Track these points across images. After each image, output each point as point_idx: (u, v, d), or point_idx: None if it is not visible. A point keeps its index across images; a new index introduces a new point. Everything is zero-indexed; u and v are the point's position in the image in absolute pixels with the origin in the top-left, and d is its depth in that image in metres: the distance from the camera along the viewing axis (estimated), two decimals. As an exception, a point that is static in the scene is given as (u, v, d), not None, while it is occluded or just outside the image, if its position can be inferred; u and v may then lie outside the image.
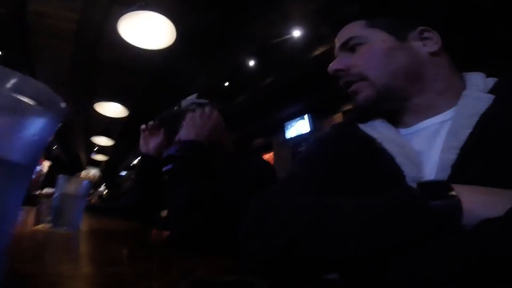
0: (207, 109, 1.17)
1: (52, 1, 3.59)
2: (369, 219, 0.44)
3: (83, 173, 10.16)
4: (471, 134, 0.55)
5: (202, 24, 3.73)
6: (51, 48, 4.39)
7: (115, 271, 0.54)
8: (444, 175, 0.54)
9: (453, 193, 0.41)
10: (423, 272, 0.38)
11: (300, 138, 5.98)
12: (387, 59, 0.68)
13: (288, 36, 4.11)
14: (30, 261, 0.53)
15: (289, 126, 6.23)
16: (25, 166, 0.29)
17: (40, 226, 1.03)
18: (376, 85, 0.69)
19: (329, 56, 0.76)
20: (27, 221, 1.24)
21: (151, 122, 1.30)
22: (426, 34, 0.70)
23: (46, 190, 2.95)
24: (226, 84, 5.44)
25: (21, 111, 0.27)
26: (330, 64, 0.74)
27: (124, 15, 2.84)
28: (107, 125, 7.17)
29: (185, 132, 1.12)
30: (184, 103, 1.30)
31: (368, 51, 0.70)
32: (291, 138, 6.18)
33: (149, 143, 1.31)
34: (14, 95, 0.26)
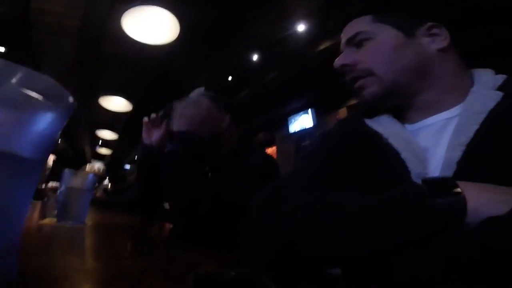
0: (198, 99, 1.15)
1: (55, -2, 3.59)
2: (373, 217, 0.44)
3: (88, 167, 10.23)
4: (477, 131, 0.55)
5: (206, 18, 3.71)
6: (54, 45, 4.40)
7: (121, 265, 0.54)
8: (449, 172, 0.54)
9: (458, 190, 0.41)
10: (425, 270, 0.38)
11: (303, 133, 5.96)
12: (395, 55, 0.67)
13: (292, 31, 4.08)
14: (36, 256, 0.53)
15: (293, 121, 6.21)
16: (35, 161, 0.29)
17: (46, 220, 1.04)
18: (383, 81, 0.68)
19: (333, 51, 0.75)
20: (33, 215, 1.25)
21: (153, 115, 1.30)
22: (434, 30, 0.68)
23: (51, 184, 2.98)
24: (230, 78, 5.42)
25: (30, 106, 0.27)
26: (336, 59, 0.74)
27: (128, 10, 2.84)
28: (111, 119, 7.20)
29: (177, 123, 1.10)
30: (192, 95, 1.29)
31: (376, 47, 0.70)
32: (294, 133, 6.16)
33: (152, 135, 1.31)
34: (23, 90, 0.26)
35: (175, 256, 0.69)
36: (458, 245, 0.38)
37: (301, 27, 4.02)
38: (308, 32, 4.03)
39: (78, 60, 4.70)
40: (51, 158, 3.65)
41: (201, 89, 1.31)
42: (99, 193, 4.18)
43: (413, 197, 0.43)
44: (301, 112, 5.99)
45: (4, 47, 4.62)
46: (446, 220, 0.40)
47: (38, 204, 1.81)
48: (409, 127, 0.68)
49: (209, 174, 1.24)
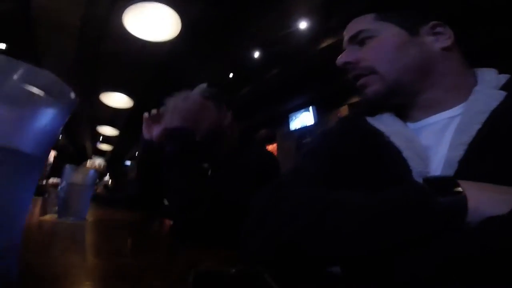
0: (189, 94, 1.13)
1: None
2: (373, 217, 0.44)
3: (89, 163, 10.25)
4: (480, 131, 0.54)
5: (207, 15, 3.70)
6: (56, 42, 4.40)
7: (121, 262, 0.54)
8: (451, 171, 0.53)
9: (459, 189, 0.41)
10: (425, 269, 0.38)
11: (304, 130, 5.96)
12: (398, 53, 0.67)
13: (294, 29, 4.06)
14: (37, 252, 0.54)
15: (294, 118, 6.21)
16: (37, 157, 0.29)
17: (47, 217, 1.04)
18: (386, 79, 0.67)
19: (335, 48, 0.75)
20: (34, 211, 1.25)
21: (154, 110, 1.29)
22: (438, 29, 0.68)
23: (52, 180, 2.98)
24: (231, 75, 5.41)
25: (32, 102, 0.27)
26: (339, 57, 0.73)
27: (129, 7, 2.83)
28: (112, 115, 7.21)
29: (169, 120, 1.07)
30: (195, 92, 1.29)
31: (379, 45, 0.69)
32: (295, 130, 6.16)
33: (152, 131, 1.31)
34: (25, 86, 0.26)
35: (176, 253, 0.69)
36: (458, 244, 0.38)
37: (302, 25, 4.01)
38: (309, 29, 4.02)
39: (79, 56, 4.70)
40: (52, 154, 3.66)
41: (203, 86, 1.30)
42: (99, 189, 4.18)
43: (414, 196, 0.43)
44: (302, 110, 5.99)
45: (5, 44, 4.62)
46: (447, 219, 0.39)
47: (39, 200, 1.81)
48: (411, 125, 0.68)
49: (210, 171, 1.25)
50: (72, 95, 0.31)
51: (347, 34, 0.75)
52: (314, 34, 4.03)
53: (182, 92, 1.16)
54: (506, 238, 0.35)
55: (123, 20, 2.96)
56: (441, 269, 0.37)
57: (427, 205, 0.41)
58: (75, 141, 10.52)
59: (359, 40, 0.72)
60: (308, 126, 5.88)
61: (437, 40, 0.67)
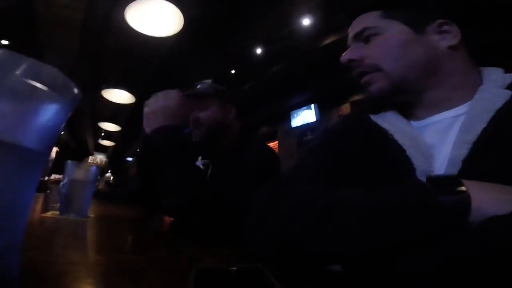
0: (164, 92, 1.08)
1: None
2: (376, 215, 0.43)
3: (90, 159, 10.28)
4: (484, 130, 0.54)
5: (210, 11, 3.69)
6: (58, 37, 4.40)
7: (123, 259, 0.54)
8: (454, 170, 0.53)
9: (462, 188, 0.41)
10: (427, 268, 0.38)
11: (306, 128, 5.96)
12: (404, 51, 0.66)
13: (296, 26, 4.05)
14: (38, 249, 0.53)
15: (295, 115, 6.20)
16: (40, 153, 0.29)
17: (48, 213, 1.04)
18: (390, 77, 0.67)
19: (338, 46, 0.75)
20: (36, 207, 1.25)
21: None
22: (445, 28, 0.67)
23: (54, 176, 2.99)
24: (233, 72, 5.41)
25: (35, 97, 0.27)
26: (343, 54, 0.73)
27: (132, 2, 2.83)
28: (114, 111, 7.21)
29: (148, 123, 1.02)
30: (202, 86, 1.28)
31: (384, 43, 0.68)
32: (296, 127, 6.16)
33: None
34: (28, 81, 0.26)
35: (177, 250, 0.69)
36: (461, 243, 0.37)
37: (305, 22, 3.99)
38: (312, 26, 4.01)
39: (82, 52, 4.70)
40: (54, 150, 3.67)
41: (208, 81, 1.30)
42: (101, 186, 4.20)
43: (417, 195, 0.43)
44: (304, 107, 5.99)
45: (8, 40, 4.62)
46: (450, 218, 0.39)
47: (41, 197, 1.82)
48: (415, 124, 0.67)
49: (210, 166, 1.25)
50: (76, 90, 0.30)
51: (352, 31, 0.74)
52: (316, 31, 4.01)
53: (159, 92, 1.12)
54: (509, 237, 0.35)
55: (125, 15, 2.95)
56: (443, 268, 0.37)
57: (430, 204, 0.41)
58: (77, 137, 10.55)
59: (364, 37, 0.71)
60: (310, 123, 5.88)
61: (444, 38, 0.66)
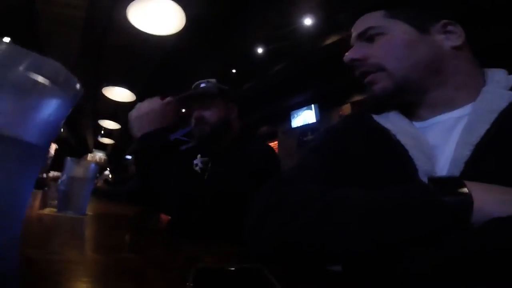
0: (149, 100, 1.10)
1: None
2: (377, 214, 0.43)
3: (89, 156, 10.27)
4: (487, 131, 0.54)
5: (212, 10, 3.68)
6: (60, 35, 4.39)
7: (121, 257, 0.54)
8: (457, 171, 0.53)
9: (465, 190, 0.41)
10: (427, 268, 0.38)
11: (306, 128, 5.96)
12: (408, 51, 0.66)
13: (298, 25, 4.04)
14: (35, 247, 0.53)
15: (295, 115, 6.21)
16: (40, 148, 0.29)
17: (46, 210, 1.03)
18: (394, 77, 0.67)
19: (339, 46, 0.75)
20: (33, 204, 1.25)
21: (156, 98, 1.28)
22: (449, 28, 0.67)
23: (53, 173, 2.98)
24: (234, 71, 5.41)
25: (37, 91, 0.27)
26: (346, 54, 0.72)
27: (134, 1, 2.82)
28: (114, 109, 7.21)
29: (139, 128, 1.02)
30: (208, 85, 1.29)
31: (388, 42, 0.68)
32: (297, 127, 6.16)
33: None
34: (31, 75, 0.26)
35: (176, 249, 0.69)
36: (462, 244, 0.37)
37: (307, 21, 3.98)
38: (314, 26, 4.00)
39: (83, 50, 4.70)
40: (53, 147, 3.65)
41: (213, 81, 1.31)
42: (100, 183, 4.19)
43: (418, 195, 0.43)
44: (304, 107, 5.99)
45: (9, 37, 4.61)
46: (452, 219, 0.39)
47: (39, 194, 1.81)
48: (419, 124, 0.67)
49: (209, 164, 1.25)
50: (78, 85, 0.30)
51: (355, 31, 0.74)
52: (318, 31, 4.01)
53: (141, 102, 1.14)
54: (510, 238, 0.35)
55: (127, 13, 2.94)
56: (443, 268, 0.37)
57: (431, 203, 0.41)
58: (77, 135, 10.55)
59: (367, 36, 0.71)
60: (310, 124, 5.88)
61: (448, 39, 0.66)
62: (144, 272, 0.45)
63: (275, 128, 6.75)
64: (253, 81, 5.49)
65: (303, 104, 5.96)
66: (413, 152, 0.59)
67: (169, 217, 1.26)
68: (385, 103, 0.71)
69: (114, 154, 11.99)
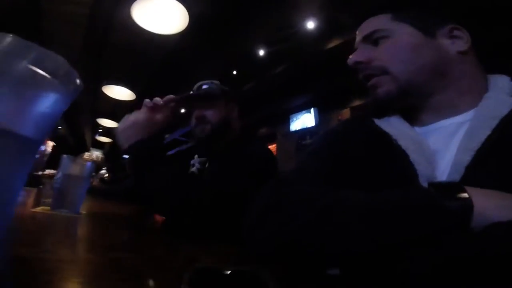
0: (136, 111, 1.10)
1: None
2: (376, 216, 0.43)
3: (86, 155, 10.23)
4: (488, 137, 0.54)
5: (215, 10, 3.69)
6: (62, 31, 4.38)
7: (116, 257, 0.53)
8: (457, 176, 0.53)
9: (465, 195, 0.41)
10: (425, 270, 0.38)
11: (304, 131, 5.97)
12: (413, 54, 0.66)
13: (300, 28, 4.06)
14: (27, 245, 0.52)
15: (294, 119, 6.22)
16: (34, 141, 0.28)
17: (39, 209, 1.02)
18: (398, 80, 0.66)
19: (341, 49, 0.74)
20: (27, 202, 1.23)
21: (157, 98, 1.28)
22: (456, 33, 0.67)
23: (49, 171, 2.95)
24: (234, 72, 5.42)
25: (37, 83, 0.27)
26: (350, 56, 0.72)
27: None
28: (113, 108, 7.20)
29: (127, 139, 1.03)
30: (211, 86, 1.29)
31: (394, 45, 0.68)
32: (295, 131, 6.16)
33: (153, 117, 1.30)
34: (32, 67, 0.26)
35: (172, 249, 0.68)
36: (462, 245, 0.37)
37: (310, 25, 3.99)
38: (316, 29, 4.01)
39: (85, 47, 4.69)
40: (50, 144, 3.63)
41: (216, 82, 1.32)
42: (95, 182, 4.17)
43: (418, 197, 0.43)
44: (303, 111, 6.00)
45: (11, 33, 4.60)
46: (452, 222, 0.39)
47: (33, 192, 1.79)
48: (421, 129, 0.67)
49: (207, 164, 1.26)
50: (78, 80, 0.31)
51: (360, 33, 0.74)
52: (320, 35, 4.02)
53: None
54: (509, 243, 0.35)
55: (131, 11, 2.94)
56: (443, 268, 0.37)
57: (432, 207, 0.41)
58: (75, 133, 10.52)
59: (373, 39, 0.71)
60: (309, 127, 5.89)
61: (454, 43, 0.66)
62: (139, 272, 0.44)
63: (275, 131, 6.76)
64: (253, 82, 5.50)
65: (303, 107, 5.97)
66: (414, 157, 0.59)
67: (163, 218, 1.25)
68: (388, 107, 0.71)
69: (111, 153, 11.97)
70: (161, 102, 1.07)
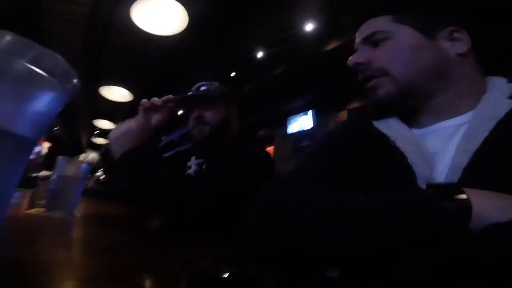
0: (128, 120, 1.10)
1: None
2: (377, 214, 0.43)
3: (82, 156, 10.18)
4: (486, 139, 0.54)
5: (214, 11, 3.70)
6: (61, 32, 4.37)
7: (111, 259, 0.52)
8: (455, 178, 0.54)
9: (464, 196, 0.41)
10: (424, 270, 0.38)
11: (302, 134, 5.98)
12: (414, 56, 0.66)
13: (299, 30, 4.07)
14: (21, 247, 0.51)
15: (292, 121, 6.23)
16: (31, 141, 0.28)
17: (33, 210, 1.00)
18: (398, 82, 0.67)
19: (340, 52, 0.75)
20: (21, 204, 1.22)
21: (155, 98, 1.28)
22: (456, 35, 0.68)
23: (44, 173, 2.92)
24: (233, 74, 5.43)
25: (35, 82, 0.27)
26: (350, 57, 0.73)
27: (138, 0, 2.83)
28: (111, 109, 7.19)
29: (119, 148, 1.03)
30: (211, 87, 1.30)
31: (394, 47, 0.68)
32: (293, 133, 6.17)
33: (151, 117, 1.30)
34: (30, 65, 0.26)
35: (168, 252, 0.67)
36: (461, 246, 0.38)
37: (308, 27, 4.01)
38: (315, 31, 4.03)
39: (84, 48, 4.68)
40: (46, 146, 3.61)
41: (216, 84, 1.33)
42: (90, 184, 4.15)
43: (417, 198, 0.43)
44: (301, 113, 6.02)
45: (10, 31, 4.59)
46: (450, 223, 0.40)
47: (28, 193, 1.77)
48: (419, 131, 0.67)
49: (204, 165, 1.26)
50: (75, 80, 0.30)
51: (360, 35, 0.74)
52: (319, 36, 4.04)
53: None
54: (508, 244, 0.35)
55: (131, 12, 2.94)
56: (443, 268, 0.37)
57: (431, 208, 0.41)
58: (71, 134, 10.47)
59: (373, 41, 0.71)
60: (306, 130, 5.90)
61: (454, 45, 0.67)
62: (135, 274, 0.43)
63: (272, 132, 6.77)
64: (252, 84, 5.51)
65: (300, 109, 5.99)
66: (412, 159, 0.59)
67: (161, 218, 1.25)
68: (388, 108, 0.71)
69: (108, 154, 11.93)
70: (160, 102, 1.07)
